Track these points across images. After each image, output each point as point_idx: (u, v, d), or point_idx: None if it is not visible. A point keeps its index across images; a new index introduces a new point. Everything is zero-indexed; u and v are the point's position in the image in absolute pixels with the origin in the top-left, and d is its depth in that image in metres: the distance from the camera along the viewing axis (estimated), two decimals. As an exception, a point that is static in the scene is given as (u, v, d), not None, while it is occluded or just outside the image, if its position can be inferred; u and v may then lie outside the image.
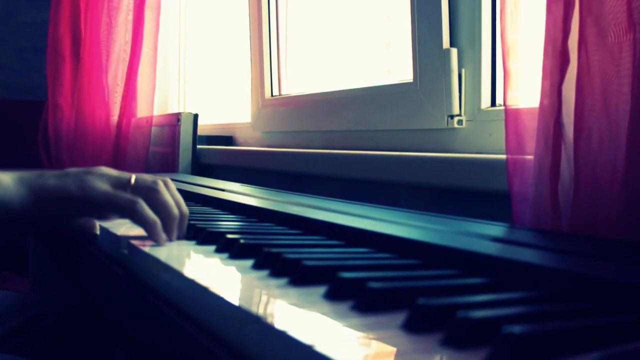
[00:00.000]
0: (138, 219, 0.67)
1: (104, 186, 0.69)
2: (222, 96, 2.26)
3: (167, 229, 0.69)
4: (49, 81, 2.26)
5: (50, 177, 0.68)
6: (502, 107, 0.83)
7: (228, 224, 0.80)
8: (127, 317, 0.66)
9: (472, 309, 0.36)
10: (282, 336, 0.36)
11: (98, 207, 0.69)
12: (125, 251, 0.65)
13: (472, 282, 0.48)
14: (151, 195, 0.69)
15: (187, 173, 1.80)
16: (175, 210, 0.69)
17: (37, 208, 0.68)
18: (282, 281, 0.49)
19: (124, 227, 0.73)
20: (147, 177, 0.71)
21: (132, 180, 0.70)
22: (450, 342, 0.34)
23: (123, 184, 0.70)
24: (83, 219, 0.74)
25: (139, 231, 0.68)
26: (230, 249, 0.61)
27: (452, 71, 1.12)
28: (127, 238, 0.66)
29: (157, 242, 0.66)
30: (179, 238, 0.71)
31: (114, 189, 0.69)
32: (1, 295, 1.07)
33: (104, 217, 0.76)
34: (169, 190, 0.72)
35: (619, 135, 0.66)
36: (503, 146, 0.81)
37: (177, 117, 1.84)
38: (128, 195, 0.68)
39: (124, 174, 0.71)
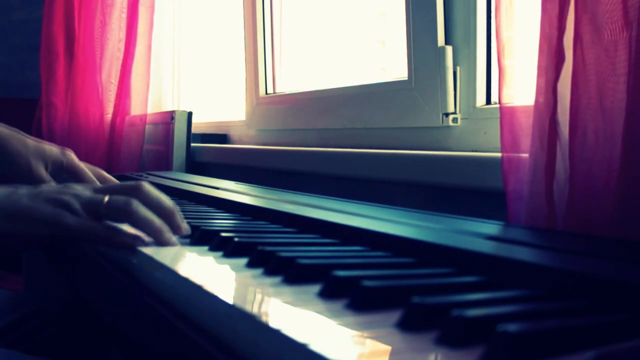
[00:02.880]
0: (113, 246, 0.65)
1: (76, 214, 0.66)
2: (216, 94, 2.26)
3: (158, 242, 0.66)
4: (42, 79, 2.25)
5: (24, 196, 0.66)
6: (497, 105, 0.83)
7: (222, 222, 0.80)
8: (120, 315, 0.65)
9: (467, 307, 0.36)
10: (276, 335, 0.35)
11: (70, 239, 0.67)
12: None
13: (466, 281, 0.47)
14: (126, 218, 0.66)
15: (181, 171, 1.79)
16: (156, 224, 0.66)
17: (5, 226, 0.65)
18: (277, 279, 0.49)
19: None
20: (120, 198, 0.67)
21: (105, 200, 0.67)
22: (445, 340, 0.34)
23: (96, 205, 0.67)
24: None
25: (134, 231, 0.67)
26: (224, 247, 0.61)
27: (447, 69, 1.12)
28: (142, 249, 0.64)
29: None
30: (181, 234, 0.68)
31: (87, 215, 0.66)
32: (-6, 294, 1.06)
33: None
34: (147, 198, 0.68)
35: (615, 134, 0.66)
36: (498, 144, 0.81)
37: (171, 115, 1.84)
38: (99, 227, 0.65)
39: (97, 196, 0.68)
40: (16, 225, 0.65)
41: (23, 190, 0.67)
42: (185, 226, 0.69)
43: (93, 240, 0.66)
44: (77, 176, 0.96)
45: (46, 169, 0.95)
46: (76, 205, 0.66)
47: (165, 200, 0.70)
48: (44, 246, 0.73)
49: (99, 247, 0.66)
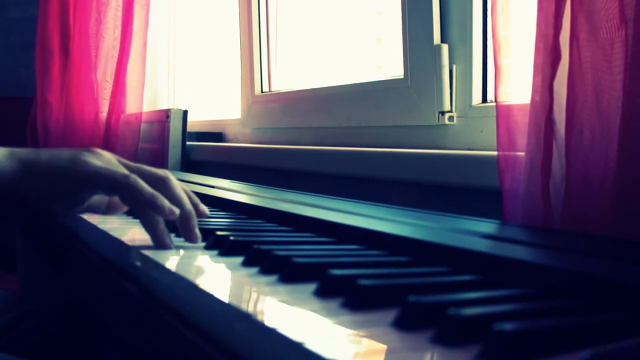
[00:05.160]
0: (132, 193, 0.59)
1: (97, 163, 0.63)
2: (211, 92, 2.26)
3: (183, 226, 0.62)
4: (37, 77, 2.25)
5: (43, 153, 0.64)
6: (493, 104, 0.83)
7: (218, 220, 0.80)
8: (117, 315, 0.65)
9: (463, 306, 0.36)
10: (272, 333, 0.35)
11: (89, 184, 0.63)
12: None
13: (463, 280, 0.47)
14: (160, 186, 0.61)
15: (177, 170, 1.79)
16: (189, 206, 0.63)
17: (27, 183, 0.63)
18: (272, 278, 0.49)
19: (130, 232, 0.70)
20: (156, 169, 0.63)
21: (139, 165, 0.63)
22: (441, 339, 0.34)
23: (124, 166, 0.63)
24: (99, 198, 0.66)
25: (144, 237, 0.65)
26: (220, 245, 0.61)
27: (443, 67, 1.12)
28: (138, 248, 0.61)
29: (163, 215, 0.58)
30: (193, 240, 0.64)
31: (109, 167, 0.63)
32: (-11, 293, 1.06)
33: (93, 195, 0.69)
34: (172, 193, 0.64)
35: (611, 132, 0.66)
36: (494, 142, 0.81)
37: (166, 113, 1.83)
38: (122, 170, 0.61)
39: (129, 162, 0.65)
40: (36, 180, 0.63)
41: (45, 150, 0.65)
42: (202, 208, 0.66)
43: (107, 184, 0.62)
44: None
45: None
46: (98, 159, 0.64)
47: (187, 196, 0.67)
48: (71, 204, 0.68)
49: (115, 193, 0.61)
